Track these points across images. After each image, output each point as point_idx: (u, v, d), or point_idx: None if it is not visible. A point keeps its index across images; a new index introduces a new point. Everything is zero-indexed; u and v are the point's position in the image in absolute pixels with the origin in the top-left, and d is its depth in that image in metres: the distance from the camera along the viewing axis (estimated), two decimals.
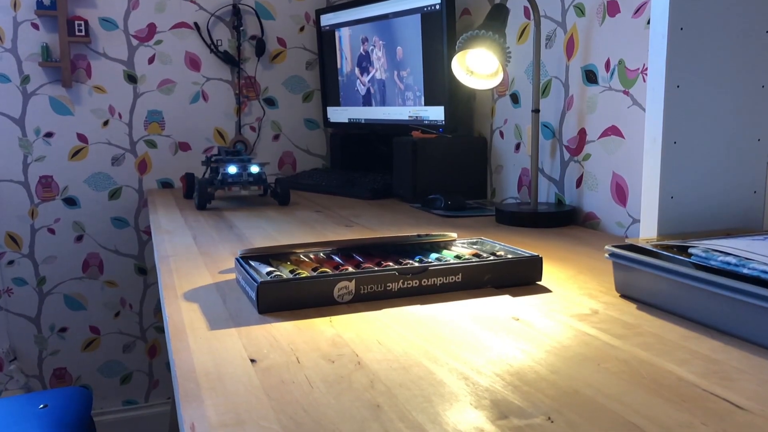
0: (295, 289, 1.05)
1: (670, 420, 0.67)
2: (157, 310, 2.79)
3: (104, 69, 2.60)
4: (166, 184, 2.72)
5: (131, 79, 2.64)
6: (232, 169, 2.12)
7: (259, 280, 1.04)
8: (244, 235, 1.65)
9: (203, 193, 2.08)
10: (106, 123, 2.62)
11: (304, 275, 1.09)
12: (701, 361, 0.83)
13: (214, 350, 0.88)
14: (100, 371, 2.74)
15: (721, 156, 1.31)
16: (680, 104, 1.26)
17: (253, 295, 1.04)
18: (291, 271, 1.12)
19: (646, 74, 1.61)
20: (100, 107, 2.61)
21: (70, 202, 2.61)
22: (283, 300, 1.05)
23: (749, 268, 0.94)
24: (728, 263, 0.97)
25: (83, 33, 2.51)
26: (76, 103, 2.57)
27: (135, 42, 2.63)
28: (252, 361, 0.84)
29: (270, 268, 1.13)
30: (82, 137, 2.59)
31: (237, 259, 1.19)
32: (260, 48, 2.75)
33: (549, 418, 0.68)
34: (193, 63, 2.72)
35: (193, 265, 1.35)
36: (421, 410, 0.70)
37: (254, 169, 2.15)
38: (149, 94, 2.67)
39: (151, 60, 2.66)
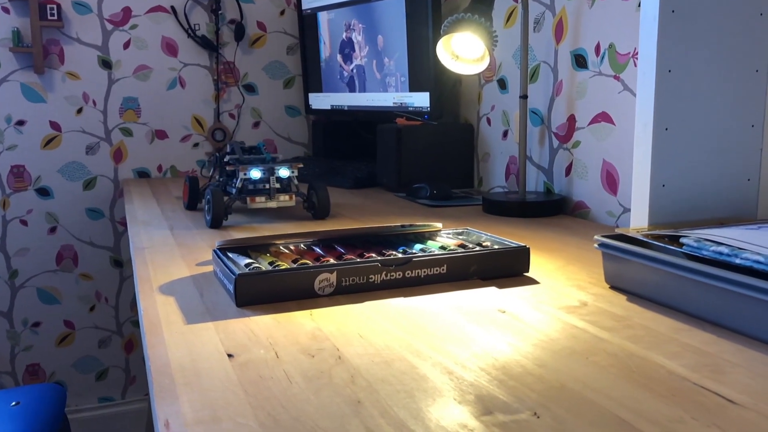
0: (275, 281, 1.05)
1: (659, 415, 0.67)
2: (134, 303, 2.77)
3: (78, 54, 2.58)
4: (142, 174, 2.70)
5: (106, 64, 2.62)
6: (257, 174, 1.68)
7: (237, 272, 1.04)
8: (223, 225, 1.65)
9: (219, 208, 1.62)
10: (80, 110, 2.60)
11: (283, 267, 1.08)
12: (692, 354, 0.83)
13: (191, 345, 0.87)
14: (74, 367, 2.73)
15: (713, 143, 1.31)
16: (672, 89, 1.26)
17: (231, 287, 1.04)
18: (270, 263, 1.11)
19: (637, 59, 1.61)
20: (73, 94, 2.59)
21: (43, 192, 2.59)
22: (261, 293, 1.04)
23: (742, 258, 0.94)
24: (720, 253, 0.97)
25: (56, 17, 2.49)
26: (49, 89, 2.56)
27: (109, 26, 2.61)
28: (229, 355, 0.83)
29: (249, 260, 1.12)
30: (55, 125, 2.58)
31: (214, 250, 1.18)
32: (239, 32, 2.74)
33: (535, 414, 0.68)
34: (170, 48, 2.70)
35: (170, 257, 1.34)
36: (403, 406, 0.70)
37: (283, 172, 1.71)
38: (124, 81, 2.65)
39: (126, 45, 2.64)
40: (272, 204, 1.69)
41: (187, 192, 1.88)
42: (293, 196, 1.72)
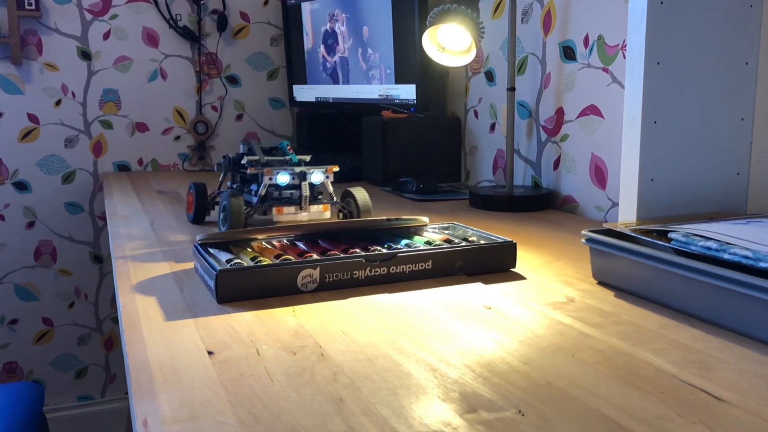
0: (257, 277, 1.05)
1: (646, 412, 0.68)
2: (114, 300, 2.77)
3: (56, 45, 2.57)
4: (122, 167, 2.70)
5: (85, 55, 2.61)
6: (284, 179, 1.44)
7: (218, 268, 1.04)
8: (205, 220, 1.64)
9: (238, 219, 1.37)
10: (58, 102, 2.59)
11: (266, 263, 1.08)
12: (680, 351, 0.84)
13: (170, 342, 0.87)
14: (53, 365, 2.72)
15: (702, 136, 1.31)
16: (660, 82, 1.27)
17: (212, 283, 1.04)
18: (252, 259, 1.11)
19: (626, 50, 1.62)
20: (52, 86, 2.58)
21: (21, 186, 2.58)
22: (243, 289, 1.04)
23: (730, 254, 0.94)
24: (709, 248, 0.98)
25: (33, 6, 2.47)
26: (27, 81, 2.54)
27: (89, 16, 2.60)
28: (209, 353, 0.83)
29: (230, 256, 1.12)
30: (33, 118, 2.56)
31: (195, 246, 1.18)
32: (222, 23, 2.73)
33: (520, 411, 0.68)
34: (151, 39, 2.69)
35: (150, 252, 1.34)
36: (386, 404, 0.70)
37: (316, 177, 1.47)
38: (104, 72, 2.64)
39: (106, 36, 2.63)
40: (303, 216, 1.45)
41: (192, 202, 1.61)
42: (329, 206, 1.49)
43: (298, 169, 1.45)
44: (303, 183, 1.45)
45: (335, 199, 1.50)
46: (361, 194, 1.49)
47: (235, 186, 1.60)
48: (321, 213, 1.47)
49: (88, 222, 2.69)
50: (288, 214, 1.43)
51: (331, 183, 1.50)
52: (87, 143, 2.64)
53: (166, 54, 2.72)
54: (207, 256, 1.11)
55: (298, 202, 1.45)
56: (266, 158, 1.50)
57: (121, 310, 1.00)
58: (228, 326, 0.93)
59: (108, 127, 2.66)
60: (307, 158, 1.54)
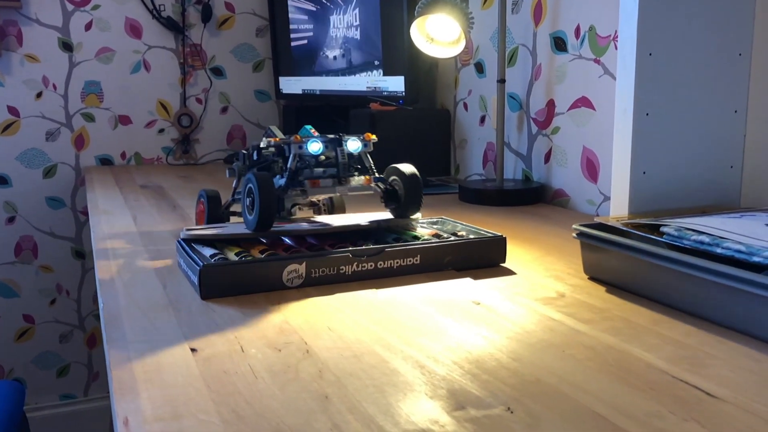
0: (241, 272, 1.05)
1: (636, 409, 0.68)
2: (97, 296, 2.76)
3: (37, 36, 2.56)
4: (105, 161, 2.69)
5: (66, 47, 2.60)
6: (316, 146, 1.22)
7: (202, 263, 1.03)
8: (188, 215, 1.64)
9: (269, 198, 1.14)
10: (39, 95, 2.58)
11: (250, 258, 1.08)
12: (671, 347, 0.84)
13: (152, 339, 0.87)
14: (34, 363, 2.71)
15: (695, 129, 1.32)
16: (653, 73, 1.27)
17: (196, 279, 1.04)
18: (237, 254, 1.11)
19: (617, 41, 1.62)
20: (32, 78, 2.56)
21: (1, 180, 2.57)
22: (227, 285, 1.04)
23: (723, 248, 0.94)
24: (702, 242, 0.98)
25: None
26: (6, 73, 2.53)
27: (70, 7, 2.59)
28: (192, 350, 0.83)
29: (214, 251, 1.12)
30: (13, 110, 2.55)
31: (178, 241, 1.18)
32: (206, 13, 2.72)
33: (509, 409, 0.68)
34: (134, 30, 2.68)
35: (133, 247, 1.33)
36: (373, 401, 0.70)
37: (353, 145, 1.25)
38: (86, 64, 2.63)
39: (88, 26, 2.62)
40: (341, 190, 1.24)
41: (203, 212, 1.38)
42: (370, 178, 1.27)
43: (331, 135, 1.26)
44: (338, 150, 1.24)
45: (375, 173, 1.29)
46: (412, 177, 1.27)
47: (259, 169, 1.35)
48: (363, 186, 1.25)
49: (69, 217, 2.68)
50: (325, 188, 1.22)
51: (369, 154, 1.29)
52: (69, 136, 2.63)
53: (150, 45, 2.71)
54: (190, 251, 1.11)
55: (334, 174, 1.24)
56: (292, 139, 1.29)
57: (103, 306, 1.00)
58: (211, 323, 0.93)
59: (90, 120, 2.65)
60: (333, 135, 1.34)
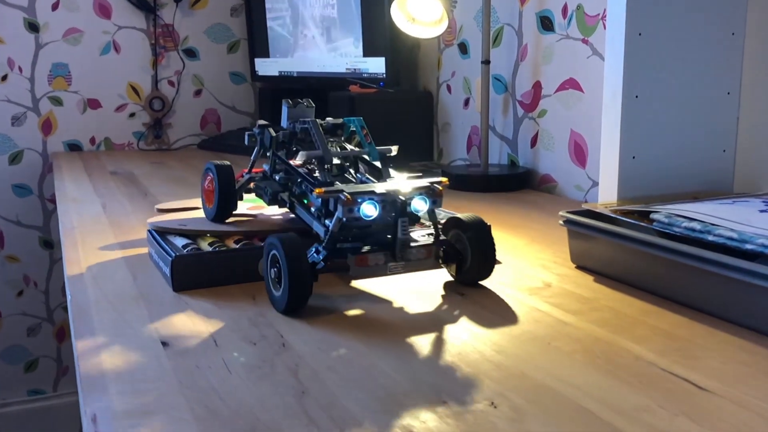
0: (215, 264, 1.04)
1: (625, 403, 0.68)
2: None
3: (1, 16, 2.54)
4: (73, 147, 2.67)
5: (32, 27, 2.58)
6: (370, 210, 0.94)
7: (174, 254, 1.03)
8: (160, 203, 1.63)
9: (302, 290, 0.92)
10: (4, 78, 2.56)
11: (225, 248, 1.08)
12: (661, 338, 0.84)
13: (122, 333, 0.86)
14: (1, 358, 2.70)
15: (687, 111, 1.32)
16: (642, 54, 1.27)
17: (168, 270, 1.03)
18: (211, 244, 1.11)
19: (606, 21, 1.62)
20: None
21: None
22: (201, 276, 1.03)
23: (714, 235, 0.95)
24: (693, 230, 0.98)
25: None
26: None
27: None
28: (164, 344, 0.83)
29: (187, 241, 1.11)
30: None
31: (150, 230, 1.17)
32: None
33: (492, 404, 0.68)
34: (103, 9, 2.66)
35: (102, 237, 1.33)
36: (351, 397, 0.70)
37: (418, 204, 0.98)
38: (53, 45, 2.61)
39: (55, 6, 2.60)
40: (398, 271, 0.97)
41: (213, 191, 1.19)
42: (432, 249, 1.00)
43: (389, 192, 0.96)
44: (399, 220, 0.96)
45: (441, 237, 1.03)
46: (484, 235, 1.02)
47: (277, 177, 1.14)
48: (425, 263, 0.99)
49: (37, 205, 2.67)
50: (375, 268, 0.96)
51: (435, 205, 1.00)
52: (35, 121, 2.61)
53: (119, 26, 2.69)
54: (162, 241, 1.11)
55: (389, 246, 0.97)
56: (335, 156, 1.08)
57: (70, 299, 0.99)
58: (184, 316, 0.92)
59: (58, 104, 2.64)
60: (393, 149, 1.09)
